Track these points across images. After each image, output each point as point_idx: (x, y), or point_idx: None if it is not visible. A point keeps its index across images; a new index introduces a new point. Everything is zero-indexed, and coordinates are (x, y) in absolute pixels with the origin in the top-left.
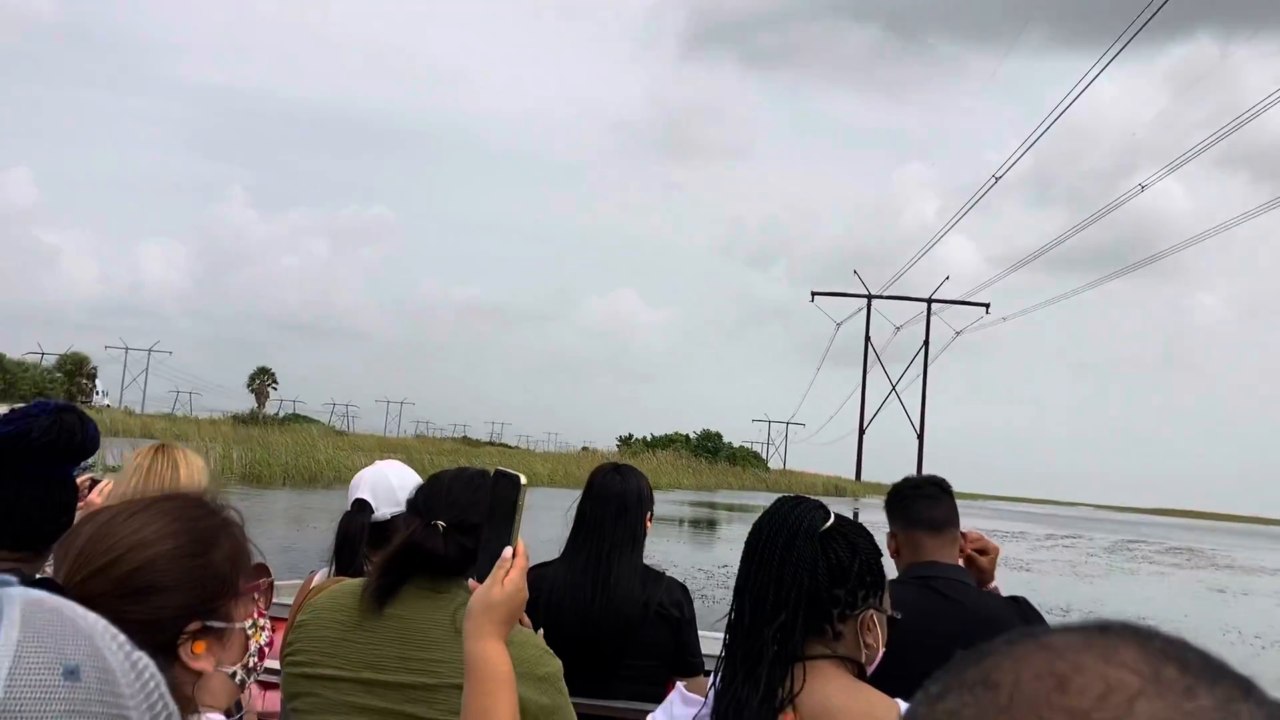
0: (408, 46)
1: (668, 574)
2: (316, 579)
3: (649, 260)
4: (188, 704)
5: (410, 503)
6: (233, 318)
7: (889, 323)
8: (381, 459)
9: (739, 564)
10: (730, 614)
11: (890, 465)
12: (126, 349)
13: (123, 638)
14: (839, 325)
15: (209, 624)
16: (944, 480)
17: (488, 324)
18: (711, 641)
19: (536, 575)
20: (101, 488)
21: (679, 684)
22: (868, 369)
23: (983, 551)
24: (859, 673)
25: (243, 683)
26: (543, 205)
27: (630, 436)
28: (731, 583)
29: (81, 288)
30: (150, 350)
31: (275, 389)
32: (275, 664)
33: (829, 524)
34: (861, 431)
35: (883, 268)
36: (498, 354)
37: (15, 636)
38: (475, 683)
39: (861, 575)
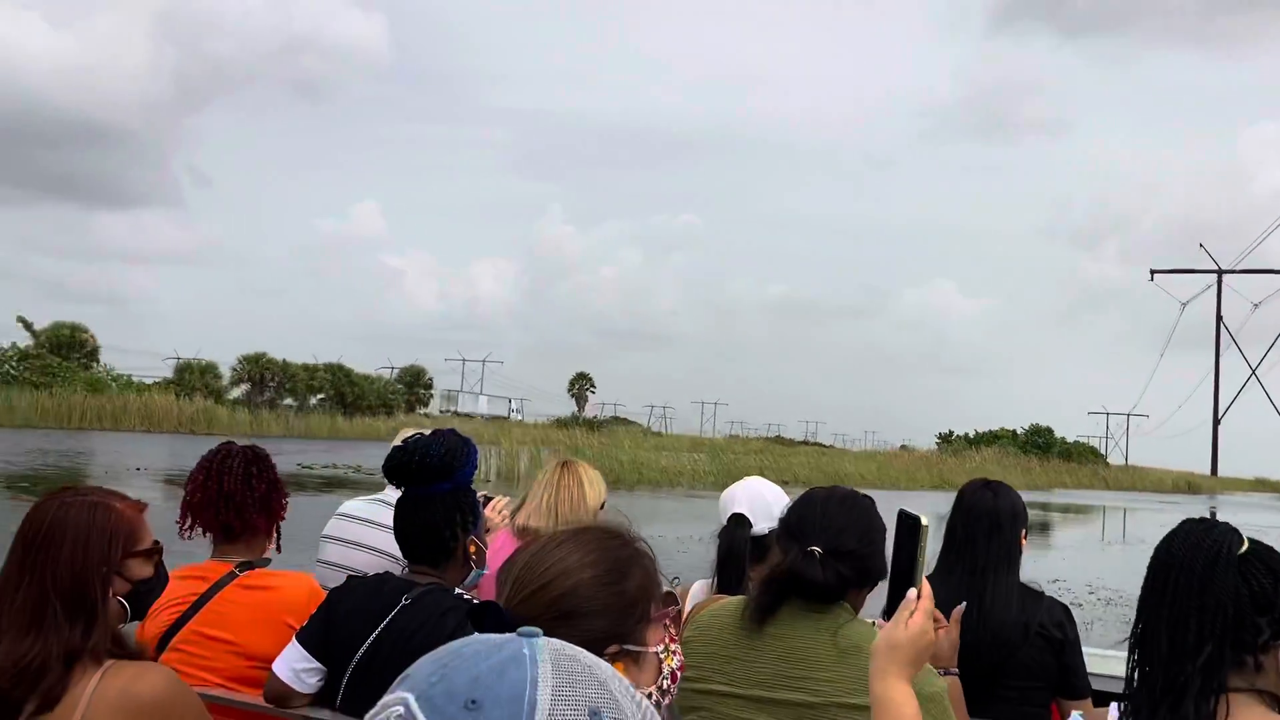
0: (704, 54)
1: (1046, 593)
2: (693, 590)
3: (964, 248)
4: None
5: (783, 523)
6: (556, 327)
7: (1244, 300)
8: (744, 478)
9: (1143, 589)
10: (1133, 639)
11: (1252, 459)
12: (463, 360)
13: (627, 682)
14: (1184, 305)
15: (626, 647)
16: None
17: (798, 322)
18: (1097, 660)
19: None
20: (495, 504)
21: (1075, 713)
22: (1220, 352)
23: None
24: None
25: (658, 704)
26: (849, 199)
27: (950, 434)
28: (1080, 596)
29: (423, 306)
30: (484, 361)
31: (593, 393)
32: None
33: (1245, 548)
34: (1216, 422)
35: (1233, 239)
36: (810, 352)
37: (552, 682)
38: None
39: None
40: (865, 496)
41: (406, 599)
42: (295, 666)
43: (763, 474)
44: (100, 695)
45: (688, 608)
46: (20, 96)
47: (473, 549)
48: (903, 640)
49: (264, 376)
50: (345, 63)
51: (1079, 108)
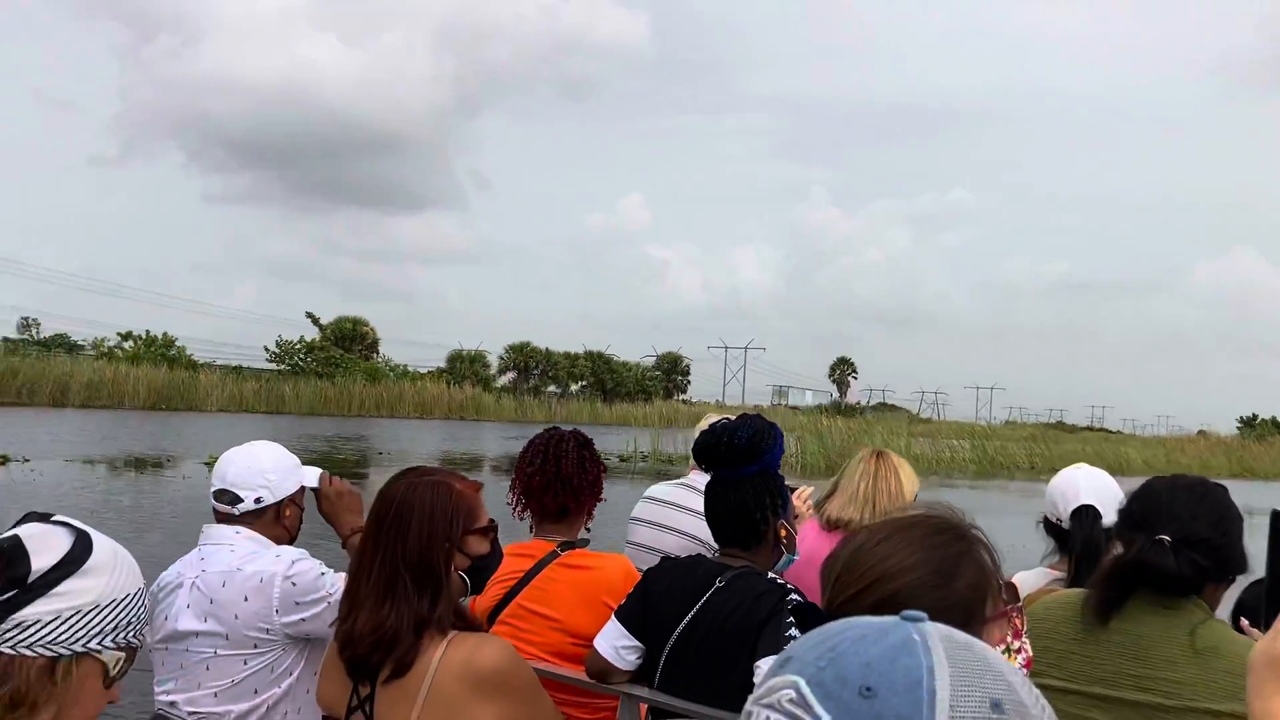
0: (973, 23)
1: None
2: (1022, 579)
3: (1271, 214)
4: None
5: (1124, 513)
6: (820, 313)
7: None
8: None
9: None
10: None
11: None
12: (726, 348)
13: (1024, 673)
14: None
15: None
16: None
17: (1081, 301)
18: None
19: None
20: (800, 492)
21: None
22: None
23: None
24: None
25: None
26: (1135, 169)
27: (1254, 417)
28: None
29: (687, 295)
30: (746, 348)
31: (855, 378)
32: None
33: None
34: None
35: None
36: (1094, 332)
37: (948, 670)
38: None
39: None
40: (1217, 484)
41: (721, 581)
42: (616, 644)
43: (1031, 462)
44: (446, 664)
45: None
46: (324, 111)
47: (783, 533)
48: None
49: (528, 365)
50: (610, 60)
51: None
